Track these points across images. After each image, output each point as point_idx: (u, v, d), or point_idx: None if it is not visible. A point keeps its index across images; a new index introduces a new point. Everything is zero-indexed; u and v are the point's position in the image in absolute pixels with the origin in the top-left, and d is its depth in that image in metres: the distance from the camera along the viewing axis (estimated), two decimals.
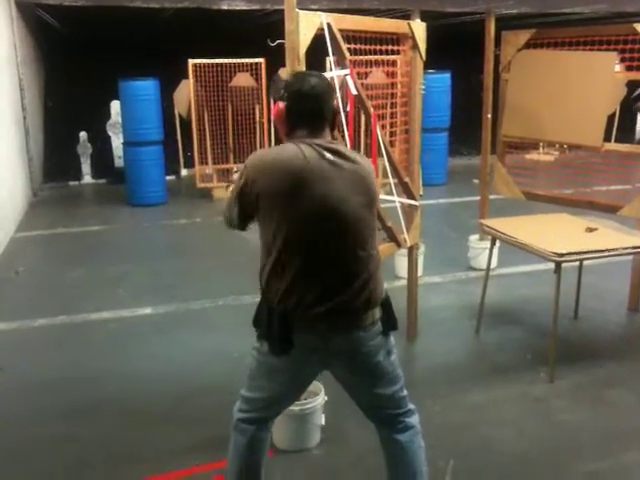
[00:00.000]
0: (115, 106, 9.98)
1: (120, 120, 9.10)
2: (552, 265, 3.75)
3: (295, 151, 2.22)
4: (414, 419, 2.48)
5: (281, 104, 2.31)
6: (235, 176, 2.48)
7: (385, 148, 3.66)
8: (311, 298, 2.21)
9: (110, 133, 10.41)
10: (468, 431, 3.35)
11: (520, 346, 4.30)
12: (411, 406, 2.49)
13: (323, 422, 3.21)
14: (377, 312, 2.33)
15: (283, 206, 2.19)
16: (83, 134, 10.46)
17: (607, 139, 4.72)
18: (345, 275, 2.24)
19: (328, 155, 2.23)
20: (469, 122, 10.18)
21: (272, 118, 2.57)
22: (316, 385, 3.15)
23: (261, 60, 8.98)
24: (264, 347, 2.31)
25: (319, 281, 2.22)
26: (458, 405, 3.60)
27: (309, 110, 2.29)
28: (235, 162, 9.14)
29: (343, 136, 3.28)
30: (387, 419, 2.46)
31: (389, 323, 2.38)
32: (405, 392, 2.46)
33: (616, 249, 3.83)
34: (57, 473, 3.11)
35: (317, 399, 3.16)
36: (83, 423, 3.49)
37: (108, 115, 10.35)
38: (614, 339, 4.47)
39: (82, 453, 3.24)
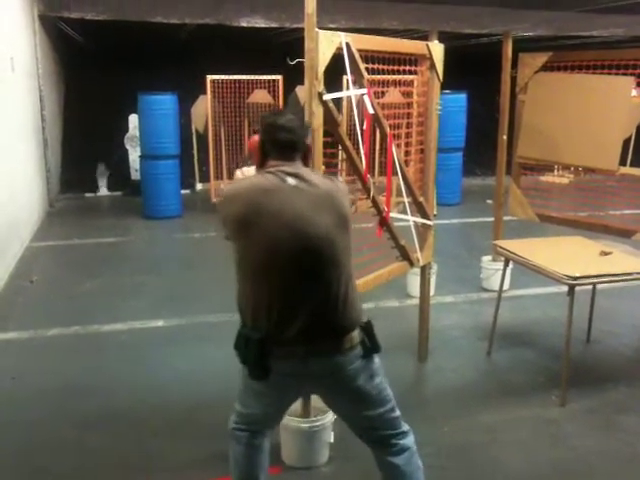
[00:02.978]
0: (133, 119, 10.09)
1: (138, 133, 9.21)
2: (565, 288, 3.73)
3: (258, 180, 2.28)
4: (409, 440, 2.44)
5: (256, 136, 2.42)
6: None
7: (400, 167, 3.68)
8: (286, 323, 2.20)
9: (127, 146, 10.51)
10: (478, 452, 3.34)
11: (532, 368, 4.28)
12: (405, 427, 2.44)
13: (332, 439, 3.20)
14: (356, 336, 2.29)
15: (248, 233, 2.21)
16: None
17: (622, 163, 4.72)
18: (320, 299, 2.22)
19: (290, 180, 2.25)
20: (483, 142, 10.23)
21: (248, 148, 2.72)
22: None
23: (279, 77, 9.07)
24: (245, 371, 2.34)
25: (293, 306, 2.21)
26: (468, 426, 3.58)
27: (280, 141, 2.33)
28: None
29: (359, 154, 3.31)
30: (379, 440, 2.43)
31: (370, 346, 2.33)
32: (397, 413, 2.42)
33: (630, 273, 3.81)
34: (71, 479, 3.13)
35: (326, 417, 3.15)
36: (95, 431, 3.51)
37: (126, 128, 10.46)
38: (627, 363, 4.43)
39: (94, 461, 3.25)
